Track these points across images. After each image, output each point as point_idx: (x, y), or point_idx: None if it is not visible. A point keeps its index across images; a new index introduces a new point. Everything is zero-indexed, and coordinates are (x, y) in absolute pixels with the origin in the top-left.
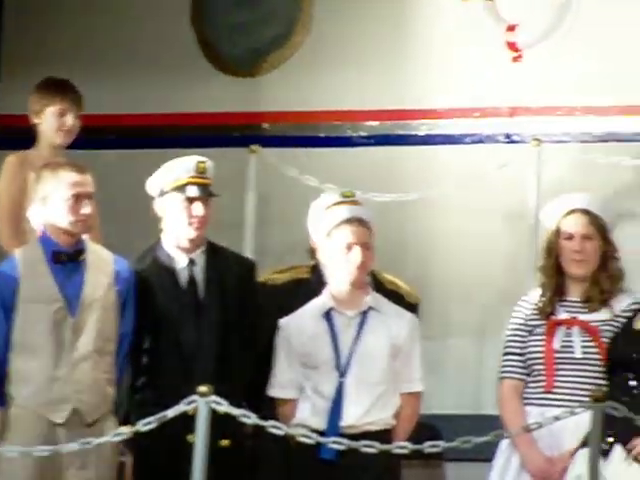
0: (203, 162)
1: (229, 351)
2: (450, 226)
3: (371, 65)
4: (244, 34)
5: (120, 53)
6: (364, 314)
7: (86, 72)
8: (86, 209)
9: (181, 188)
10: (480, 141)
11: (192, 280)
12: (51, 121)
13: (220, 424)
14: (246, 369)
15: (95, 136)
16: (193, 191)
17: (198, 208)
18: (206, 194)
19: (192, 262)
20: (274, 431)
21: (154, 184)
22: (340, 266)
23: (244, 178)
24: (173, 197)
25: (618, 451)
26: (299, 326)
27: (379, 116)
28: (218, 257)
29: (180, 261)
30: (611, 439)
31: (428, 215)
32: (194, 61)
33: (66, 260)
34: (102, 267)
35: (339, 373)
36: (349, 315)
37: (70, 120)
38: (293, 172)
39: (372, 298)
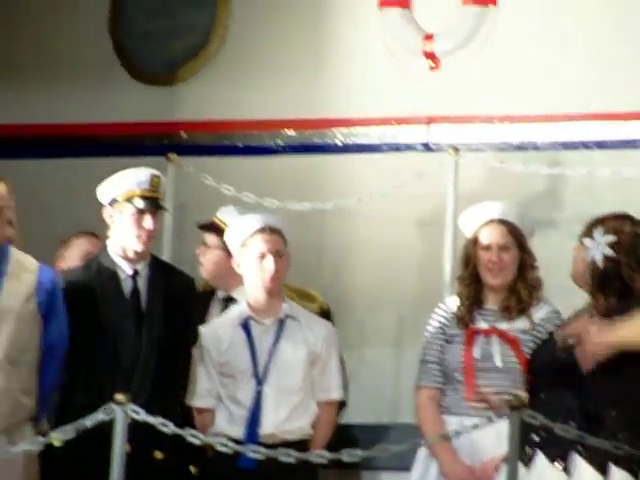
0: (157, 176)
1: (168, 364)
2: (367, 235)
3: (288, 74)
4: (161, 43)
5: (37, 62)
6: (281, 322)
7: (2, 80)
8: None
9: (132, 199)
10: (397, 149)
11: (135, 291)
12: None
13: (158, 436)
14: (184, 382)
15: (13, 145)
16: (145, 204)
17: (148, 221)
18: (156, 208)
19: (136, 273)
20: (192, 440)
21: (106, 192)
22: (255, 275)
23: None
24: (123, 207)
25: (540, 458)
26: (217, 335)
27: (296, 125)
28: (161, 271)
29: (125, 271)
30: (532, 448)
31: (345, 224)
32: (111, 70)
33: None
34: (22, 277)
35: (257, 381)
36: (266, 323)
37: None
38: (210, 181)
39: (288, 306)
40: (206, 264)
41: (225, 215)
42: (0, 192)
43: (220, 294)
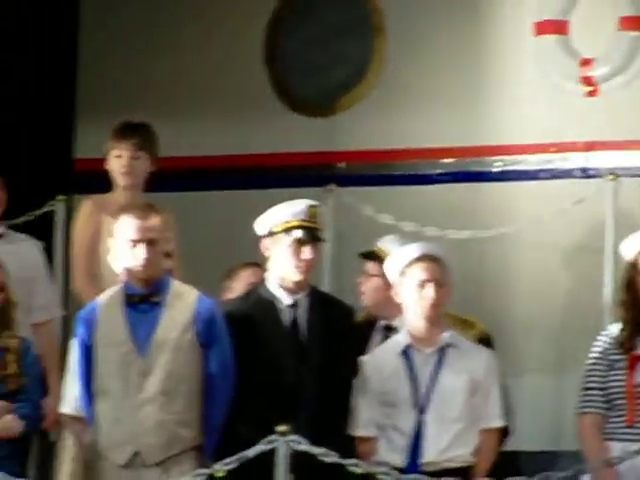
0: (314, 207)
1: (329, 394)
2: (526, 261)
3: (445, 102)
4: (318, 74)
5: (196, 95)
6: (442, 350)
7: (163, 115)
8: (142, 254)
9: (290, 230)
10: (556, 176)
11: (295, 322)
12: (112, 164)
13: (320, 466)
14: (345, 412)
15: (173, 178)
16: (303, 234)
17: (307, 252)
18: (315, 238)
19: (295, 304)
20: (354, 469)
21: (264, 224)
22: (415, 303)
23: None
24: (282, 238)
25: None
26: (378, 364)
27: (454, 153)
28: (321, 301)
29: (284, 302)
30: None
31: (504, 251)
32: (269, 102)
33: (138, 302)
34: (180, 308)
35: (418, 410)
36: (427, 352)
37: (124, 162)
38: (369, 211)
39: (449, 334)
40: (367, 293)
41: (386, 244)
42: (155, 224)
43: (381, 323)
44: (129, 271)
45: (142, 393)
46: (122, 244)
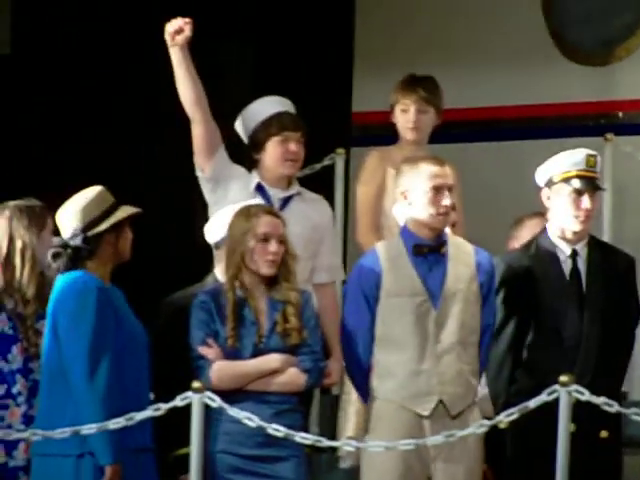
0: (593, 156)
1: (611, 343)
2: None
3: None
4: (595, 23)
5: (474, 46)
6: None
7: (440, 66)
8: (446, 201)
9: (569, 180)
10: None
11: (575, 271)
12: (398, 118)
13: (603, 415)
14: (626, 360)
15: (455, 130)
16: (582, 184)
17: (585, 201)
18: (594, 188)
19: (575, 253)
20: (636, 418)
21: (542, 174)
22: None
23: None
24: (561, 188)
25: None
26: None
27: None
28: (601, 250)
29: (564, 252)
30: None
31: None
32: (547, 52)
33: (427, 253)
34: (463, 259)
35: None
36: None
37: (412, 117)
38: None
39: None
40: None
41: None
42: (449, 172)
43: None
44: (417, 221)
45: (439, 343)
46: (419, 192)
